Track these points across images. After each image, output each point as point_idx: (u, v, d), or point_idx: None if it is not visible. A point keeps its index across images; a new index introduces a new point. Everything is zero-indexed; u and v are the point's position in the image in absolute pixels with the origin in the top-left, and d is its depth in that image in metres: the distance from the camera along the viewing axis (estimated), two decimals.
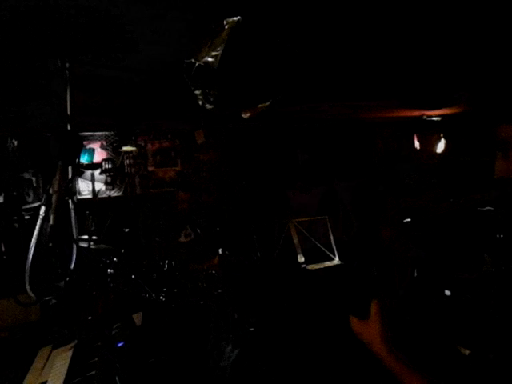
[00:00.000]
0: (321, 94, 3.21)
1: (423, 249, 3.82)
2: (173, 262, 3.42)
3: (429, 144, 5.14)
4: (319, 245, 3.91)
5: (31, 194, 4.51)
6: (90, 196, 5.15)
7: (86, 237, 3.16)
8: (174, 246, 3.80)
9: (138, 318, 2.55)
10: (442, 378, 0.82)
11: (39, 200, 4.44)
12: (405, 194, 5.26)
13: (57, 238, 1.24)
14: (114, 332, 2.10)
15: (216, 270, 3.35)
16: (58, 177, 1.30)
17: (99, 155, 5.19)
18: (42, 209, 1.28)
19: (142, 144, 5.38)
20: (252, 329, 2.79)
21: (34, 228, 1.26)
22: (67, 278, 1.38)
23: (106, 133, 5.18)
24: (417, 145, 5.24)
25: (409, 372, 0.86)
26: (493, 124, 0.68)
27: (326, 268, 3.80)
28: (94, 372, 1.75)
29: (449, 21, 1.67)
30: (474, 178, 4.74)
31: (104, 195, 5.23)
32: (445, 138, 4.93)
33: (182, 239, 3.94)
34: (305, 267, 3.68)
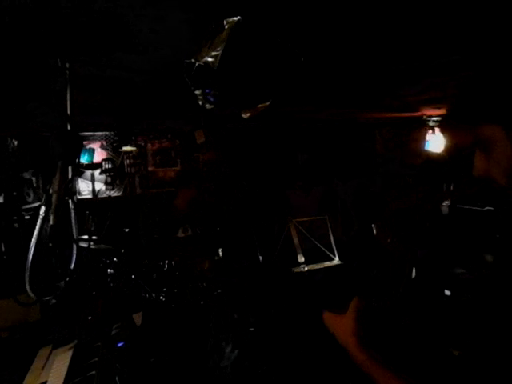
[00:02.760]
0: (321, 96, 3.21)
1: (420, 248, 3.82)
2: (173, 262, 3.42)
3: (423, 143, 5.13)
4: (319, 245, 3.91)
5: (31, 194, 4.51)
6: (90, 196, 5.15)
7: (86, 237, 3.16)
8: (173, 243, 3.80)
9: (138, 318, 2.55)
10: (426, 379, 0.80)
11: (39, 200, 4.44)
12: (396, 193, 5.26)
13: (57, 238, 1.24)
14: (113, 332, 2.10)
15: (207, 274, 3.35)
16: (57, 177, 1.30)
17: (99, 155, 5.19)
18: (42, 209, 1.28)
19: (142, 144, 5.38)
20: (252, 329, 2.79)
21: (34, 228, 1.26)
22: (67, 278, 1.38)
23: (106, 133, 5.18)
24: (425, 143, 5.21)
25: (379, 368, 0.84)
26: (476, 122, 0.78)
27: (326, 268, 3.80)
28: (94, 372, 1.75)
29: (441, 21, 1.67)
30: (461, 176, 4.74)
31: (104, 195, 5.23)
32: (444, 138, 4.93)
33: (180, 234, 3.94)
34: (293, 270, 3.66)
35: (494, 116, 0.73)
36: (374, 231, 4.35)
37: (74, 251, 1.39)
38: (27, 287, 1.24)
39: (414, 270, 3.64)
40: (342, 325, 0.96)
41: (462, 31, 1.82)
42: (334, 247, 3.97)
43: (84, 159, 4.95)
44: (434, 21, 1.68)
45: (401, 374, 0.82)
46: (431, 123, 4.92)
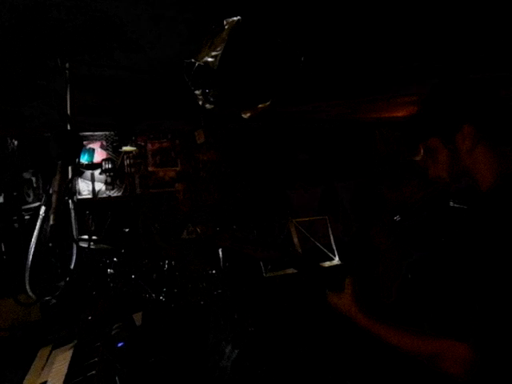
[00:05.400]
0: (320, 92, 3.21)
1: (416, 250, 3.77)
2: (173, 262, 3.42)
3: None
4: (319, 245, 3.90)
5: (31, 194, 4.51)
6: (90, 196, 5.15)
7: (86, 237, 3.16)
8: (175, 244, 3.79)
9: (138, 318, 2.55)
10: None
11: (39, 200, 4.44)
12: (396, 194, 5.23)
13: (57, 237, 1.23)
14: (113, 332, 2.10)
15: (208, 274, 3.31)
16: (57, 177, 1.29)
17: (99, 155, 5.19)
18: (42, 209, 1.28)
19: (142, 144, 5.38)
20: (252, 329, 2.79)
21: (34, 228, 1.26)
22: (67, 278, 1.38)
23: (106, 133, 5.18)
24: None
25: (382, 326, 1.06)
26: (424, 138, 1.10)
27: (326, 268, 3.80)
28: (94, 372, 1.74)
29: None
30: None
31: (104, 195, 5.22)
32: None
33: (184, 236, 3.93)
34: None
35: (434, 132, 1.05)
36: (372, 233, 4.31)
37: (74, 251, 1.39)
38: (27, 287, 1.24)
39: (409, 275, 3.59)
40: (342, 300, 1.19)
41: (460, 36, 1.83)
42: (334, 247, 3.97)
43: (84, 159, 4.95)
44: (433, 23, 1.68)
45: (397, 325, 1.03)
46: None
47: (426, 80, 2.92)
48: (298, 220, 4.04)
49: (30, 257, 1.24)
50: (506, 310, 0.85)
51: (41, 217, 1.27)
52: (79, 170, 4.85)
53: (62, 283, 1.36)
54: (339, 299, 1.21)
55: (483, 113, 1.01)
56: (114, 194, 5.29)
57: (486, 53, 2.32)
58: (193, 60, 1.46)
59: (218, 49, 1.36)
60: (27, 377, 1.91)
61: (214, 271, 3.33)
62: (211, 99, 1.55)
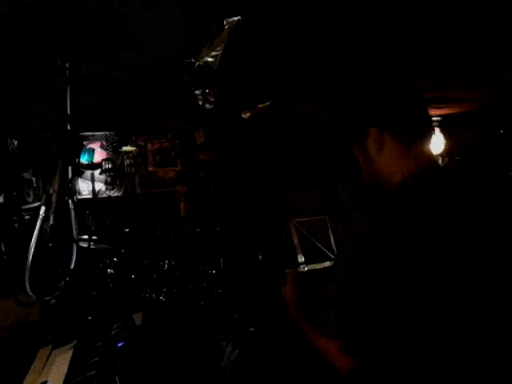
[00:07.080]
0: (320, 92, 3.21)
1: None
2: (173, 262, 3.41)
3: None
4: (319, 245, 3.90)
5: (31, 194, 4.51)
6: (90, 196, 5.15)
7: (86, 237, 3.16)
8: (175, 241, 3.78)
9: (138, 318, 2.55)
10: None
11: (39, 200, 4.43)
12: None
13: (57, 237, 1.24)
14: (113, 332, 2.10)
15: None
16: (57, 177, 1.29)
17: (99, 155, 5.19)
18: (42, 209, 1.28)
19: (142, 144, 5.38)
20: (252, 329, 2.79)
21: (34, 228, 1.26)
22: (67, 278, 1.38)
23: (106, 133, 5.18)
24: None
25: (304, 323, 1.17)
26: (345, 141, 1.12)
27: (326, 268, 3.80)
28: (93, 372, 1.75)
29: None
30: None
31: (104, 195, 5.22)
32: (445, 138, 4.93)
33: (188, 228, 3.92)
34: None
35: (349, 137, 1.09)
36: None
37: (74, 251, 1.39)
38: (27, 287, 1.24)
39: None
40: (285, 292, 1.28)
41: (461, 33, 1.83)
42: (334, 247, 3.97)
43: (84, 159, 4.95)
44: (432, 22, 1.68)
45: (313, 322, 1.12)
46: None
47: (425, 79, 2.92)
48: (298, 220, 4.05)
49: (30, 257, 1.24)
50: (386, 316, 0.86)
51: (41, 217, 1.27)
52: (79, 170, 4.85)
53: (62, 283, 1.36)
54: (284, 291, 1.29)
55: (386, 114, 0.99)
56: (114, 193, 5.29)
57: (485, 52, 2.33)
58: (193, 60, 1.46)
59: (218, 49, 1.36)
60: (27, 377, 1.91)
61: (213, 271, 3.32)
62: (211, 99, 1.56)
